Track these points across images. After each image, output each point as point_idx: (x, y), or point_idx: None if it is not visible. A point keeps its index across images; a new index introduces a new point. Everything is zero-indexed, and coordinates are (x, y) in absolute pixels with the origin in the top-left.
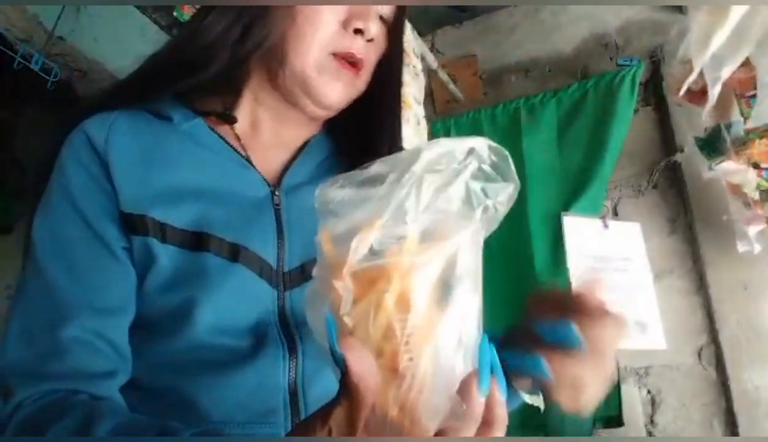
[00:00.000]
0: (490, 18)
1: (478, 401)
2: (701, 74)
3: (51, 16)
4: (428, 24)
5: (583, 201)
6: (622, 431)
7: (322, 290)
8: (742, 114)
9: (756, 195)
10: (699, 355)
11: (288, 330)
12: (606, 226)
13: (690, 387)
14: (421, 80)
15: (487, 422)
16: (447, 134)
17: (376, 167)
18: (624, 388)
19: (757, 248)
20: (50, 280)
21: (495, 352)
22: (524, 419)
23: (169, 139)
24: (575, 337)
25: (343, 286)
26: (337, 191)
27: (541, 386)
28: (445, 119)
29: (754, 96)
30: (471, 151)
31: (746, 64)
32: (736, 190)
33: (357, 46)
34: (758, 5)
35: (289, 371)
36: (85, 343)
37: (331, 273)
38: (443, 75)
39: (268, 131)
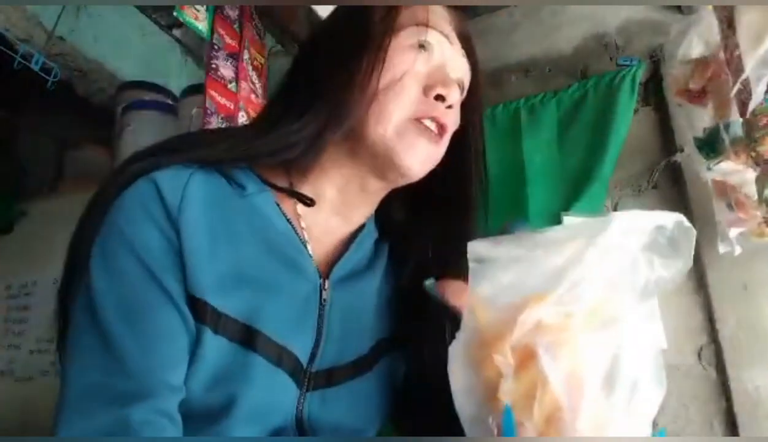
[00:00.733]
0: (490, 18)
1: None
2: (700, 74)
3: (51, 16)
4: None
5: (583, 201)
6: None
7: (471, 359)
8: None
9: (754, 194)
10: (699, 355)
11: (303, 434)
12: None
13: (690, 387)
14: None
15: None
16: None
17: (553, 233)
18: None
19: (738, 249)
20: (119, 347)
21: None
22: None
23: (238, 211)
24: None
25: (505, 362)
26: (492, 249)
27: None
28: None
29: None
30: (659, 229)
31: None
32: (722, 191)
33: (439, 111)
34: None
35: None
36: (154, 425)
37: (483, 343)
38: None
39: (329, 210)
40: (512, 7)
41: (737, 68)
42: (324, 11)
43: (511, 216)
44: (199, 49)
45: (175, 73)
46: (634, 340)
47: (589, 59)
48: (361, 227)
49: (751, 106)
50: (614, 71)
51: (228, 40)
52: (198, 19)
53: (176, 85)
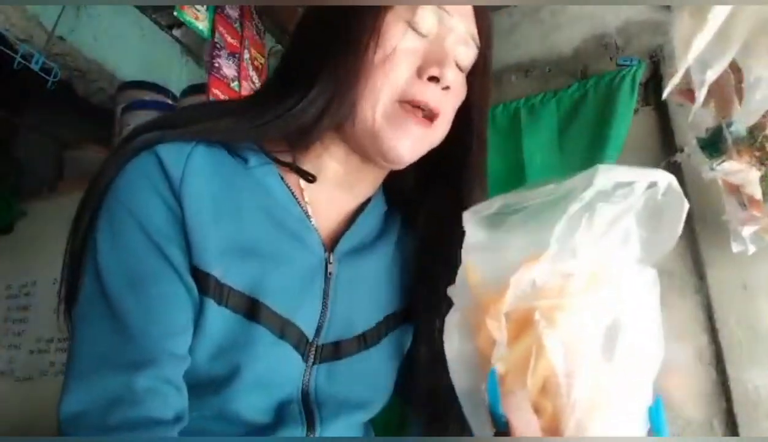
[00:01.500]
0: None
1: None
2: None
3: (51, 16)
4: None
5: None
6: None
7: (465, 326)
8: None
9: (759, 193)
10: (699, 355)
11: (309, 408)
12: None
13: (690, 387)
14: None
15: None
16: None
17: (539, 191)
18: None
19: (752, 248)
20: (124, 317)
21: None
22: None
23: (241, 183)
24: None
25: (497, 326)
26: (486, 212)
27: None
28: None
29: None
30: (652, 185)
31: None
32: (733, 190)
33: (431, 95)
34: (742, 5)
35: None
36: (158, 392)
37: (478, 308)
38: None
39: (332, 184)
40: (512, 7)
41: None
42: None
43: None
44: (199, 49)
45: (175, 73)
46: (633, 304)
47: (589, 59)
48: (368, 201)
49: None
50: (614, 71)
51: (229, 39)
52: (198, 19)
53: (176, 85)
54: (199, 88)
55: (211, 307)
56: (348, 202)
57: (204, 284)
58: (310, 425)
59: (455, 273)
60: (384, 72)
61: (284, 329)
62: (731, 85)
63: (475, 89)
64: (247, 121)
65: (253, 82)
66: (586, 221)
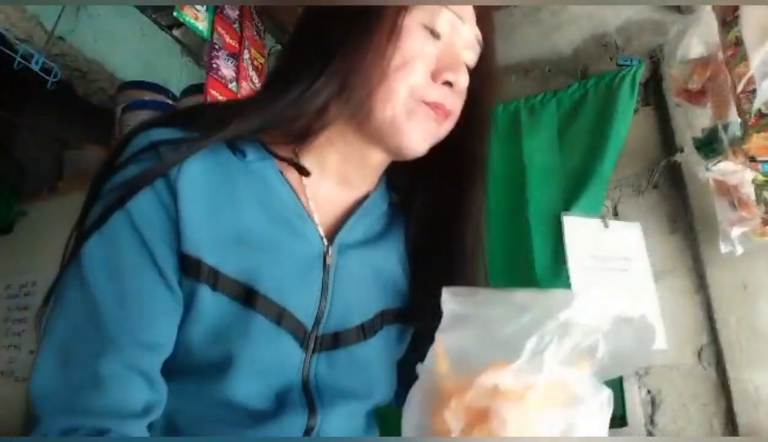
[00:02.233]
0: None
1: None
2: (700, 74)
3: (51, 16)
4: None
5: (583, 201)
6: (623, 430)
7: (426, 404)
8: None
9: (751, 193)
10: (699, 355)
11: (309, 396)
12: (606, 226)
13: (690, 387)
14: None
15: None
16: None
17: (520, 296)
18: (624, 387)
19: (740, 249)
20: (98, 303)
21: None
22: None
23: (239, 176)
24: None
25: (456, 419)
26: (466, 301)
27: None
28: None
29: (753, 91)
30: (617, 319)
31: (746, 59)
32: (723, 190)
33: (446, 98)
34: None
35: (306, 432)
36: (124, 379)
37: (441, 393)
38: None
39: (334, 175)
40: (512, 7)
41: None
42: None
43: (511, 215)
44: (199, 49)
45: (175, 73)
46: (585, 420)
47: (589, 59)
48: (367, 196)
49: (756, 104)
50: (614, 71)
51: (228, 40)
52: (198, 19)
53: (176, 85)
54: (199, 88)
55: (205, 293)
56: (348, 197)
57: (195, 270)
58: (312, 412)
59: (452, 274)
60: (404, 74)
61: (281, 317)
62: (728, 86)
63: (478, 86)
64: (252, 118)
65: (253, 83)
66: (558, 341)
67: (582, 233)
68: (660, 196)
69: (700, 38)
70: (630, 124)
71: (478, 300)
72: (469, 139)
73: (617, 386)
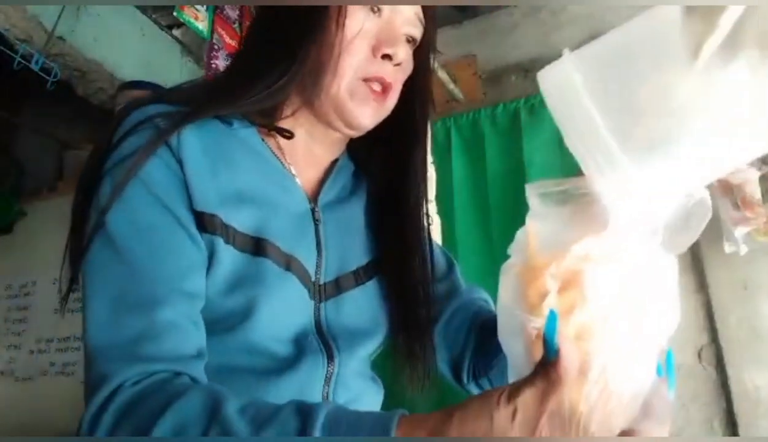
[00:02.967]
0: (490, 18)
1: (669, 403)
2: None
3: (51, 16)
4: None
5: None
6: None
7: (519, 279)
8: None
9: (757, 193)
10: (699, 355)
11: (325, 340)
12: None
13: (690, 387)
14: None
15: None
16: (447, 134)
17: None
18: None
19: (744, 248)
20: (136, 265)
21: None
22: None
23: (229, 142)
24: None
25: (550, 279)
26: (552, 188)
27: None
28: (445, 119)
29: None
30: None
31: None
32: (726, 190)
33: (386, 71)
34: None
35: (326, 379)
36: (179, 326)
37: (532, 267)
38: (443, 75)
39: (303, 149)
40: (512, 7)
41: None
42: None
43: (513, 216)
44: (199, 49)
45: (175, 73)
46: (658, 277)
47: None
48: (336, 161)
49: None
50: None
51: (228, 40)
52: (198, 19)
53: None
54: None
55: (220, 245)
56: (320, 162)
57: (210, 224)
58: (330, 356)
59: (404, 226)
60: (347, 54)
61: (289, 264)
62: None
63: (419, 63)
64: (231, 100)
65: None
66: (635, 217)
67: None
68: None
69: None
70: None
71: (565, 188)
72: (411, 107)
73: None
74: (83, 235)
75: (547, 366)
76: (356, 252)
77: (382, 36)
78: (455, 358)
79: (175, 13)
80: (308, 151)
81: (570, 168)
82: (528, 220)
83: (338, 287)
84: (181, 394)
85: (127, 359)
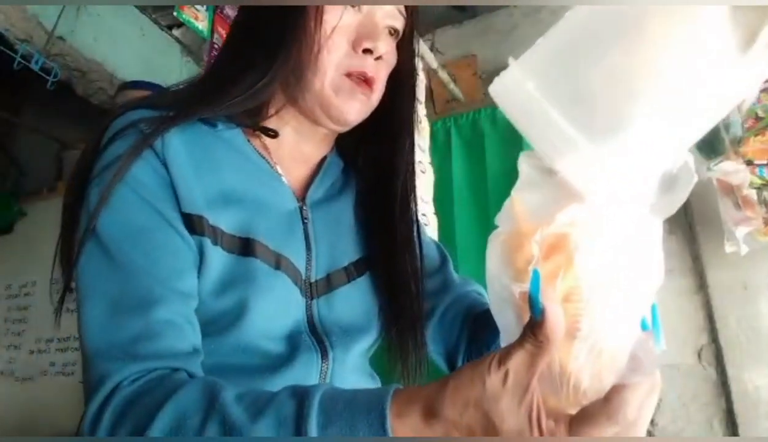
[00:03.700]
0: (490, 18)
1: (656, 356)
2: None
3: (51, 16)
4: (428, 24)
5: None
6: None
7: (506, 245)
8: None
9: (753, 194)
10: (699, 355)
11: (318, 337)
12: None
13: (690, 387)
14: (421, 80)
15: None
16: (447, 134)
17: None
18: None
19: (744, 248)
20: (130, 266)
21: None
22: None
23: (214, 144)
24: None
25: (535, 244)
26: (538, 161)
27: None
28: (445, 119)
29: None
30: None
31: None
32: (727, 190)
33: (367, 65)
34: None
35: (321, 377)
36: (175, 324)
37: (519, 233)
38: (443, 75)
39: (290, 147)
40: (512, 7)
41: None
42: None
43: None
44: (199, 49)
45: (175, 73)
46: (644, 239)
47: None
48: (325, 158)
49: (745, 104)
50: None
51: None
52: (198, 19)
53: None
54: None
55: (208, 246)
56: (308, 160)
57: (198, 226)
58: (324, 353)
59: (392, 221)
60: (327, 51)
61: (279, 262)
62: None
63: (403, 55)
64: (218, 101)
65: None
66: (624, 184)
67: None
68: None
69: None
70: None
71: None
72: (397, 99)
73: None
74: (74, 240)
75: (534, 327)
76: (347, 248)
77: (362, 30)
78: (450, 351)
79: (175, 13)
80: (295, 149)
81: None
82: (515, 189)
83: (329, 283)
84: (179, 387)
85: (125, 358)
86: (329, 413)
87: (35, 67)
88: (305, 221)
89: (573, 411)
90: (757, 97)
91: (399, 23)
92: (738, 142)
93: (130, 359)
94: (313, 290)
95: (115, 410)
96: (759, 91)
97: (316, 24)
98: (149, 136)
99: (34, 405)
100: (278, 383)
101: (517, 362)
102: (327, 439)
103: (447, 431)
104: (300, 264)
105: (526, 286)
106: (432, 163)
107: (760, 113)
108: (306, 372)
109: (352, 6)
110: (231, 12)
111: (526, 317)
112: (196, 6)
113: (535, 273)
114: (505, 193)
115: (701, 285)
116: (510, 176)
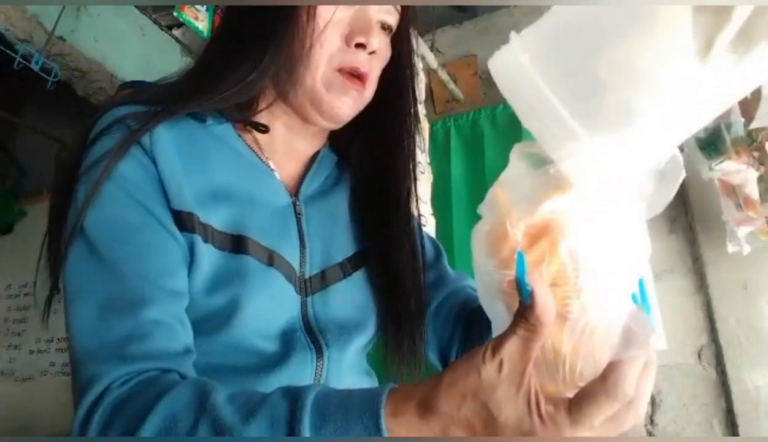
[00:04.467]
0: (490, 18)
1: (650, 327)
2: None
3: (51, 16)
4: (428, 24)
5: None
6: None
7: (491, 236)
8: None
9: (756, 194)
10: (699, 355)
11: (313, 335)
12: None
13: (690, 387)
14: (421, 80)
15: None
16: (447, 134)
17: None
18: None
19: (747, 248)
20: (118, 266)
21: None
22: None
23: (203, 139)
24: None
25: (521, 233)
26: (532, 150)
27: None
28: (445, 119)
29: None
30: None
31: None
32: (729, 190)
33: (360, 60)
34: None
35: (316, 375)
36: (165, 324)
37: (504, 222)
38: (443, 75)
39: (282, 142)
40: (512, 7)
41: None
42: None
43: None
44: (199, 49)
45: (175, 73)
46: (627, 220)
47: None
48: (318, 152)
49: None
50: None
51: None
52: (198, 19)
53: None
54: None
55: (199, 244)
56: (301, 156)
57: (188, 223)
58: (318, 351)
59: (388, 218)
60: (319, 45)
61: (272, 259)
62: None
63: (399, 49)
64: (204, 95)
65: None
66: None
67: None
68: None
69: None
70: None
71: (540, 150)
72: (393, 94)
73: None
74: (61, 240)
75: (524, 313)
76: (342, 243)
77: (355, 25)
78: (444, 346)
79: (175, 13)
80: (288, 144)
81: None
82: (499, 179)
83: (324, 279)
84: (170, 389)
85: (115, 359)
86: (323, 414)
87: (35, 67)
88: (299, 216)
89: (571, 394)
90: None
91: (392, 18)
92: (740, 141)
93: (120, 360)
94: (307, 287)
95: (105, 414)
96: None
97: (309, 17)
98: (136, 132)
99: (34, 405)
100: (273, 382)
101: (510, 349)
102: (322, 440)
103: (444, 426)
104: (294, 260)
105: (512, 274)
106: (431, 163)
107: None
108: (301, 371)
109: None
110: None
111: (516, 306)
112: (196, 6)
113: (520, 255)
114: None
115: (701, 285)
116: None
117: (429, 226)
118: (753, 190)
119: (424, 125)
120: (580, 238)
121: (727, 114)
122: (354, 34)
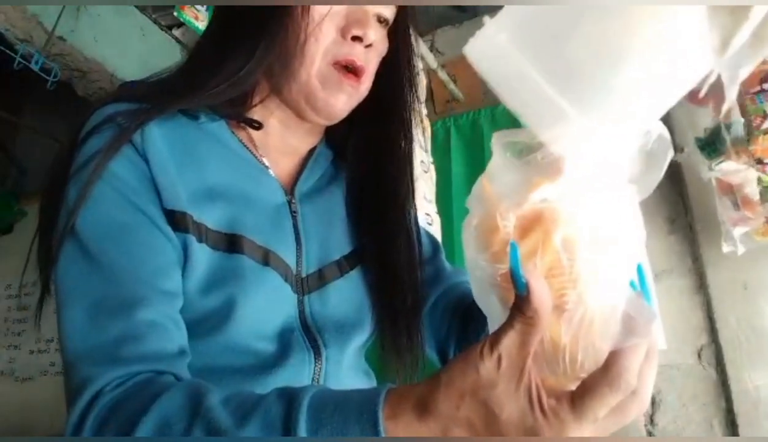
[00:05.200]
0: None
1: (650, 315)
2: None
3: (51, 16)
4: (428, 24)
5: None
6: (622, 431)
7: (480, 230)
8: (746, 112)
9: (756, 194)
10: (699, 355)
11: (311, 335)
12: None
13: (690, 387)
14: (421, 80)
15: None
16: (447, 134)
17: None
18: None
19: (741, 248)
20: (111, 266)
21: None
22: None
23: (196, 137)
24: None
25: (511, 225)
26: (513, 138)
27: None
28: (444, 119)
29: (758, 92)
30: (646, 133)
31: None
32: (726, 190)
33: (356, 53)
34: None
35: (315, 376)
36: (159, 325)
37: (493, 214)
38: (443, 75)
39: (277, 139)
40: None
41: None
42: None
43: None
44: None
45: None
46: (619, 207)
47: None
48: (314, 149)
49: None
50: None
51: None
52: (198, 19)
53: None
54: None
55: (193, 243)
56: (296, 153)
57: (182, 223)
58: (316, 351)
59: (385, 216)
60: (315, 39)
61: (267, 258)
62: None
63: (397, 43)
64: (195, 91)
65: None
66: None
67: None
68: (660, 196)
69: None
70: None
71: (526, 136)
72: (390, 88)
73: None
74: (52, 241)
75: (521, 305)
76: (338, 241)
77: (351, 17)
78: (441, 342)
79: (175, 13)
80: (282, 141)
81: None
82: (486, 171)
83: (321, 278)
84: (163, 391)
85: (109, 361)
86: (319, 416)
87: (35, 67)
88: (294, 214)
89: (573, 387)
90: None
91: (389, 12)
92: (739, 142)
93: (113, 362)
94: (304, 286)
95: (98, 417)
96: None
97: (303, 10)
98: (127, 131)
99: (34, 405)
100: (270, 383)
101: (508, 344)
102: (320, 441)
103: (444, 427)
104: (290, 259)
105: (505, 267)
106: (432, 162)
107: None
108: (298, 372)
109: None
110: None
111: (511, 299)
112: (196, 6)
113: (513, 246)
114: None
115: (701, 285)
116: None
117: (435, 224)
118: (753, 191)
119: (427, 125)
120: (572, 226)
121: (727, 114)
122: (350, 26)
